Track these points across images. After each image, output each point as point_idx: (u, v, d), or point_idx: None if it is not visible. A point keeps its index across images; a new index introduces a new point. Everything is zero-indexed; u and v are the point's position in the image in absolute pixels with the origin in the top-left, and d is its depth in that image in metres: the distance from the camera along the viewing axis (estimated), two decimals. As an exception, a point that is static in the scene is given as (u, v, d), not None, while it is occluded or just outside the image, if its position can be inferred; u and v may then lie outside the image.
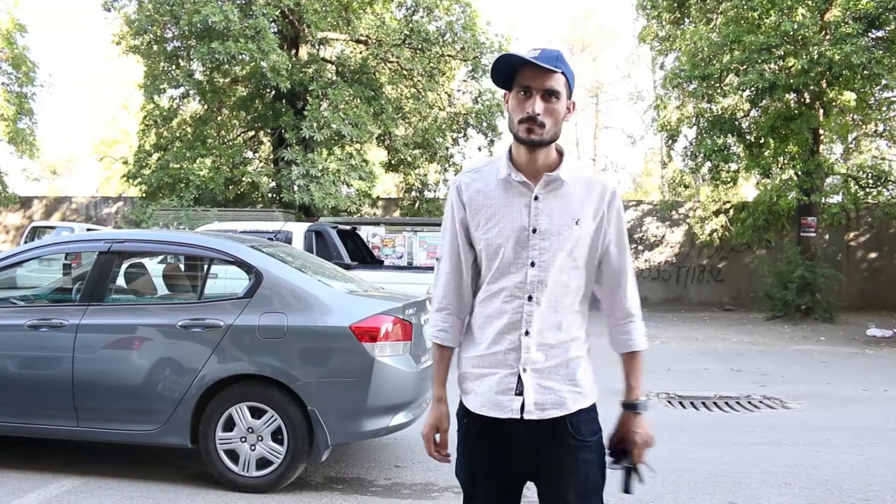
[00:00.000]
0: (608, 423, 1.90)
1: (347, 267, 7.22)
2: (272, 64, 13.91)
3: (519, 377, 1.75)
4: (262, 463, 3.93)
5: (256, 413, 3.94)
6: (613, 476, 1.86)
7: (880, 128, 15.22)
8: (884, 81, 12.53)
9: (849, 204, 14.91)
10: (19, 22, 17.62)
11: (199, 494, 3.90)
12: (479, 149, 17.59)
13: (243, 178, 16.73)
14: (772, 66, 13.10)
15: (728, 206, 17.05)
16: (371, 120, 15.42)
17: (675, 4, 15.56)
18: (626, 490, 1.86)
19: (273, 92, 16.19)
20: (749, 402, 6.56)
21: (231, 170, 16.48)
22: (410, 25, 16.23)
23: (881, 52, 12.19)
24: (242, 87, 17.65)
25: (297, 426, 3.87)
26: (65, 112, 49.47)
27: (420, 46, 16.03)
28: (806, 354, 9.93)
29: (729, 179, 15.55)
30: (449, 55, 16.82)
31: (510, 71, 1.73)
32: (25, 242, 14.23)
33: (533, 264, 1.75)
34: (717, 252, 17.38)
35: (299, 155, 14.89)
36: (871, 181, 14.93)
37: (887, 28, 12.63)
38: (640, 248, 17.84)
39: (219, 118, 17.61)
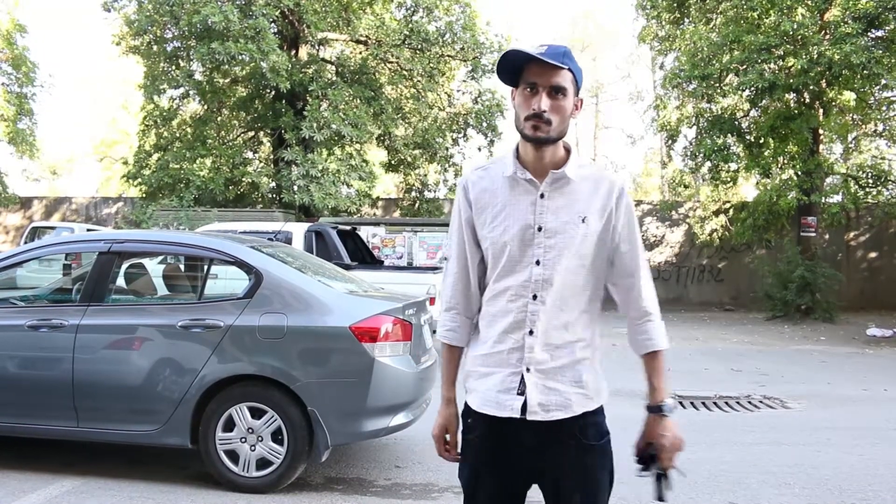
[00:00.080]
0: (618, 425, 1.87)
1: (347, 267, 7.22)
2: (272, 64, 13.92)
3: (522, 377, 1.73)
4: (262, 463, 3.93)
5: (256, 413, 3.94)
6: (645, 483, 1.82)
7: (880, 127, 15.23)
8: (883, 81, 12.54)
9: (849, 204, 14.92)
10: (19, 22, 17.64)
11: (199, 495, 3.90)
12: (479, 149, 17.61)
13: (243, 179, 16.74)
14: (771, 65, 13.11)
15: (728, 206, 17.05)
16: (371, 120, 15.43)
17: (675, 4, 15.57)
18: (660, 498, 1.79)
19: (273, 92, 16.19)
20: (749, 402, 6.56)
21: (231, 170, 16.49)
22: (410, 26, 16.24)
23: (881, 51, 12.20)
24: (242, 87, 17.66)
25: (297, 426, 3.87)
26: (65, 112, 49.51)
27: (420, 47, 16.04)
28: (806, 354, 9.93)
29: (729, 179, 15.56)
30: (449, 55, 16.83)
31: (516, 68, 1.71)
32: (25, 243, 14.23)
33: (538, 263, 1.73)
34: (717, 252, 17.39)
35: (299, 155, 14.89)
36: (870, 181, 14.94)
37: (887, 28, 12.63)
38: (640, 248, 17.82)
39: (219, 118, 17.62)
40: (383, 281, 6.77)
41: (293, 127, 15.09)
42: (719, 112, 14.50)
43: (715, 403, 6.52)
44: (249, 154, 18.44)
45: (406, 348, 4.11)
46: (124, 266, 4.80)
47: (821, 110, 13.82)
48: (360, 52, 16.92)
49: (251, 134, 18.40)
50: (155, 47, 16.25)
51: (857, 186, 14.95)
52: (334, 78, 16.10)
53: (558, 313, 1.74)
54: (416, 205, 18.09)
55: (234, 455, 3.95)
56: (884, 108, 15.02)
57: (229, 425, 3.94)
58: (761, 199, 14.62)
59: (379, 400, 3.92)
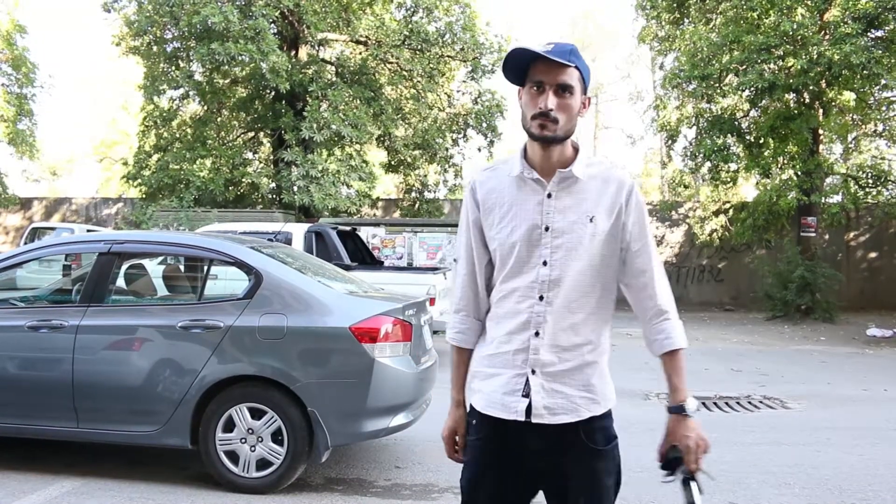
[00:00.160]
0: (617, 425, 1.83)
1: (347, 268, 7.22)
2: (272, 65, 13.91)
3: (527, 379, 1.71)
4: (262, 464, 3.93)
5: (256, 414, 3.94)
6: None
7: (880, 128, 15.23)
8: (883, 81, 12.54)
9: (849, 204, 14.92)
10: (19, 23, 17.63)
11: (199, 495, 3.90)
12: (479, 149, 17.60)
13: (243, 179, 16.73)
14: (771, 66, 13.11)
15: (728, 206, 17.05)
16: (371, 121, 15.43)
17: (675, 5, 15.57)
18: None
19: (273, 93, 16.19)
20: (749, 402, 6.56)
21: (231, 171, 16.49)
22: (410, 26, 16.24)
23: (880, 51, 12.20)
24: (242, 88, 17.66)
25: (297, 427, 3.87)
26: (65, 113, 49.46)
27: (420, 47, 16.04)
28: (806, 354, 9.93)
29: (729, 179, 15.56)
30: (448, 56, 16.83)
31: (523, 66, 1.69)
32: (25, 243, 14.24)
33: (545, 263, 1.71)
34: (717, 252, 17.38)
35: (299, 156, 14.89)
36: (870, 181, 14.94)
37: (886, 28, 12.63)
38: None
39: (219, 119, 17.63)
40: (383, 281, 6.77)
41: (293, 127, 15.09)
42: (719, 112, 14.50)
43: (715, 404, 6.52)
44: (249, 155, 18.44)
45: (406, 349, 4.11)
46: (124, 267, 4.80)
47: (821, 110, 13.82)
48: (360, 53, 16.92)
49: (251, 134, 18.40)
50: (155, 48, 16.25)
51: (856, 186, 14.94)
52: (334, 78, 16.10)
53: (566, 315, 1.71)
54: (416, 205, 18.09)
55: (234, 456, 3.95)
56: (884, 108, 15.02)
57: (229, 426, 3.95)
58: (761, 200, 14.63)
59: (379, 400, 3.92)
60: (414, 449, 4.80)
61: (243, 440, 3.93)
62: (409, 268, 10.43)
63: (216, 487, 3.97)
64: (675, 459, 1.71)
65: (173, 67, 16.16)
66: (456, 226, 11.54)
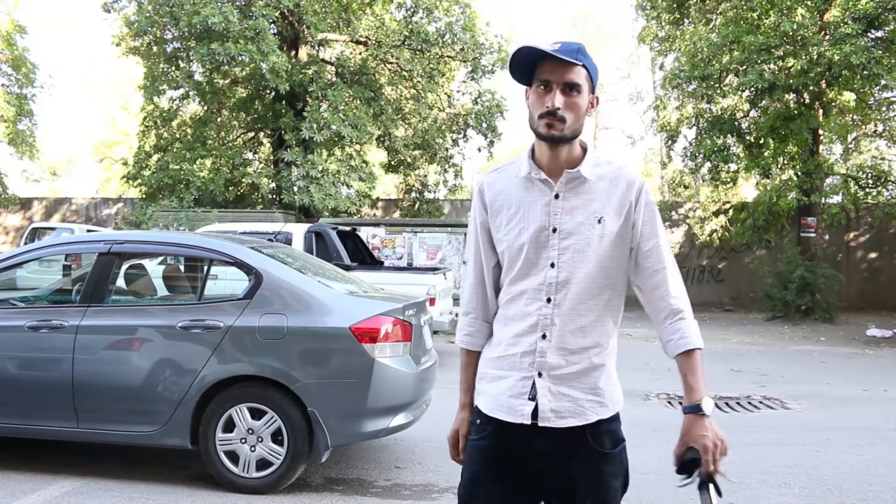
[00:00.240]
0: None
1: (347, 268, 7.22)
2: (272, 65, 13.91)
3: (534, 382, 1.69)
4: (262, 464, 3.93)
5: (256, 414, 3.94)
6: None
7: (880, 128, 15.23)
8: (883, 82, 12.53)
9: (849, 204, 14.92)
10: (19, 23, 17.64)
11: (199, 496, 3.90)
12: (479, 150, 17.60)
13: (243, 180, 16.73)
14: (771, 66, 13.11)
15: (728, 206, 17.05)
16: (371, 121, 15.43)
17: (675, 5, 15.57)
18: None
19: (273, 93, 16.19)
20: (749, 403, 6.56)
21: (231, 171, 16.48)
22: (410, 26, 16.24)
23: (880, 52, 12.20)
24: (242, 88, 17.66)
25: (297, 427, 3.87)
26: (65, 113, 49.35)
27: (420, 47, 16.04)
28: (806, 355, 9.93)
29: (729, 180, 15.55)
30: (448, 56, 16.83)
31: (530, 65, 1.67)
32: (25, 244, 14.24)
33: (553, 265, 1.69)
34: (717, 252, 17.38)
35: (299, 156, 14.89)
36: (870, 181, 14.94)
37: (886, 28, 12.63)
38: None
39: (219, 119, 17.62)
40: (383, 282, 6.78)
41: (293, 128, 15.09)
42: (719, 112, 14.50)
43: (715, 404, 6.50)
44: (249, 155, 18.43)
45: (406, 349, 4.11)
46: (124, 267, 4.80)
47: (821, 111, 13.82)
48: (360, 53, 16.92)
49: (251, 135, 18.40)
50: (155, 48, 16.25)
51: (856, 187, 14.94)
52: (334, 79, 16.10)
53: (575, 317, 1.69)
54: (416, 205, 18.08)
55: (234, 456, 3.95)
56: (884, 108, 15.02)
57: (229, 426, 3.95)
58: (761, 200, 14.63)
59: (379, 400, 3.92)
60: (414, 449, 4.80)
61: (243, 440, 3.93)
62: (409, 268, 10.42)
63: (216, 487, 3.97)
64: (691, 461, 1.63)
65: (173, 67, 16.16)
66: (456, 226, 11.60)
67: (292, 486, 3.99)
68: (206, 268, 4.63)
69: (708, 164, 14.92)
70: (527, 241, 1.71)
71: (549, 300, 1.69)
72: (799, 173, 13.63)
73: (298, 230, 8.83)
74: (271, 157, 17.59)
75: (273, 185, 16.70)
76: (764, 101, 13.80)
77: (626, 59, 31.10)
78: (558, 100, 1.64)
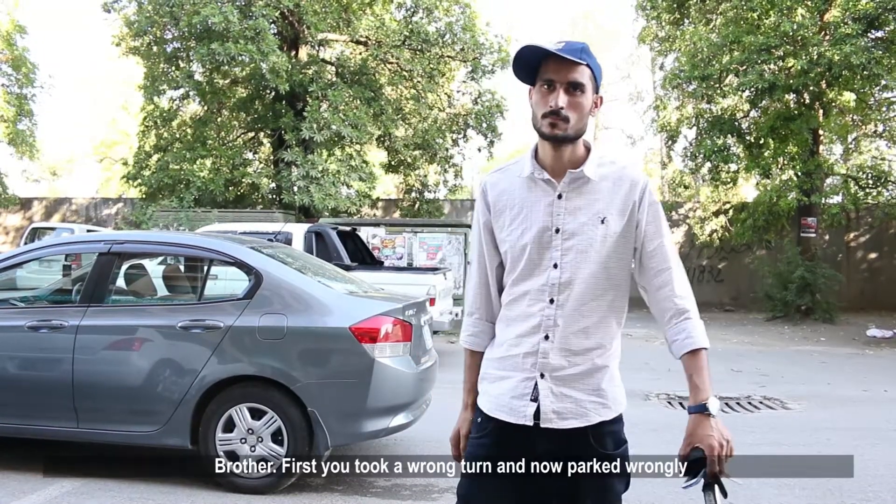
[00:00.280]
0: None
1: (347, 268, 7.22)
2: (272, 65, 13.91)
3: (536, 383, 1.68)
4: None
5: (256, 414, 3.94)
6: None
7: (880, 128, 15.23)
8: (883, 82, 12.54)
9: (849, 204, 14.91)
10: (19, 23, 17.63)
11: (199, 496, 3.90)
12: (479, 150, 17.59)
13: (243, 180, 16.72)
14: (771, 66, 13.11)
15: (728, 206, 17.05)
16: (371, 121, 15.43)
17: (675, 5, 15.57)
18: None
19: (273, 93, 16.18)
20: (749, 403, 6.56)
21: (231, 171, 16.48)
22: (410, 26, 16.24)
23: (881, 52, 12.20)
24: (242, 88, 17.66)
25: (297, 427, 3.87)
26: (65, 113, 49.33)
27: (420, 47, 16.03)
28: (806, 355, 9.93)
29: (729, 180, 15.56)
30: (448, 56, 16.82)
31: (533, 65, 1.67)
32: (25, 244, 14.24)
33: (556, 266, 1.68)
34: (717, 252, 17.38)
35: (299, 156, 14.89)
36: (870, 181, 14.94)
37: (887, 28, 12.63)
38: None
39: (219, 119, 17.62)
40: (383, 282, 6.77)
41: (293, 128, 15.09)
42: (719, 113, 14.50)
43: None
44: (249, 155, 18.43)
45: (406, 349, 4.11)
46: (124, 267, 4.80)
47: (821, 111, 13.82)
48: (360, 53, 16.92)
49: (251, 135, 18.39)
50: (155, 48, 16.25)
51: (857, 187, 14.94)
52: (334, 79, 16.10)
53: (578, 318, 1.69)
54: (416, 206, 18.08)
55: (234, 456, 3.94)
56: (884, 108, 15.02)
57: (229, 426, 3.94)
58: (761, 200, 14.62)
59: (379, 400, 3.92)
60: (414, 449, 4.80)
61: (243, 440, 3.93)
62: (409, 268, 10.42)
63: (216, 487, 3.97)
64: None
65: (173, 67, 16.16)
66: (456, 226, 11.60)
67: (292, 486, 3.99)
68: (206, 268, 4.63)
69: (708, 165, 14.93)
70: (529, 242, 1.70)
71: (551, 301, 1.69)
72: (799, 173, 13.63)
73: (298, 230, 8.83)
74: (271, 157, 17.59)
75: (273, 185, 16.69)
76: (764, 102, 13.80)
77: (626, 59, 31.06)
78: (562, 99, 1.63)
